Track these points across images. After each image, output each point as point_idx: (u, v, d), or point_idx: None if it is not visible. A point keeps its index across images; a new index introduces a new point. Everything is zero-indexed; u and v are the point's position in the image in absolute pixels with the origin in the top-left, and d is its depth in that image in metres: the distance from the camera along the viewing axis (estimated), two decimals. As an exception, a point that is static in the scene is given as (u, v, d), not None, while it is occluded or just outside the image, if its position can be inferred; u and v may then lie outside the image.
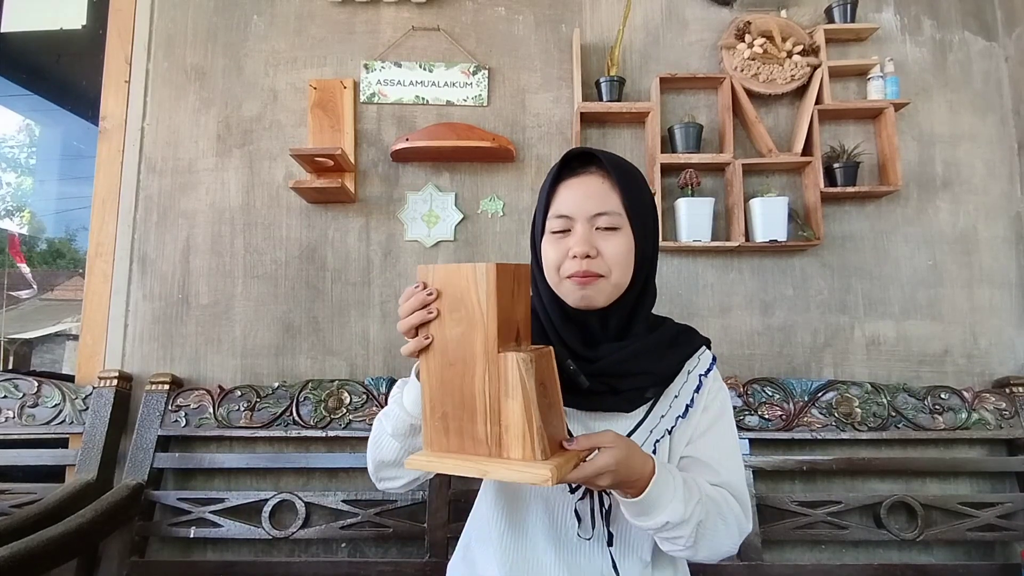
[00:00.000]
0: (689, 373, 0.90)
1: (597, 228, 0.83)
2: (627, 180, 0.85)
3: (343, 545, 1.63)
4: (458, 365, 0.69)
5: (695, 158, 1.76)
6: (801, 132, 1.77)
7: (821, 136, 1.77)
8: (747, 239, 1.73)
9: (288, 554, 1.62)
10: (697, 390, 0.89)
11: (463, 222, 1.82)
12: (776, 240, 1.71)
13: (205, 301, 1.80)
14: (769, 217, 1.72)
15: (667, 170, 1.77)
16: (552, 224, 0.86)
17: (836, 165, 1.76)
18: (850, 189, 1.74)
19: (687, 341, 0.91)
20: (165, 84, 1.90)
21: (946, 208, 1.82)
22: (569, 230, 0.84)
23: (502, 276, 0.67)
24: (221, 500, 1.60)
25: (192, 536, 1.56)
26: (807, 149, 1.77)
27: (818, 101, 1.78)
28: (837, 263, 1.79)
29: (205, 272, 1.81)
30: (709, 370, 0.91)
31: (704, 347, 0.93)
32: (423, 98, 1.87)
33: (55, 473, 1.72)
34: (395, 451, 0.85)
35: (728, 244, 1.72)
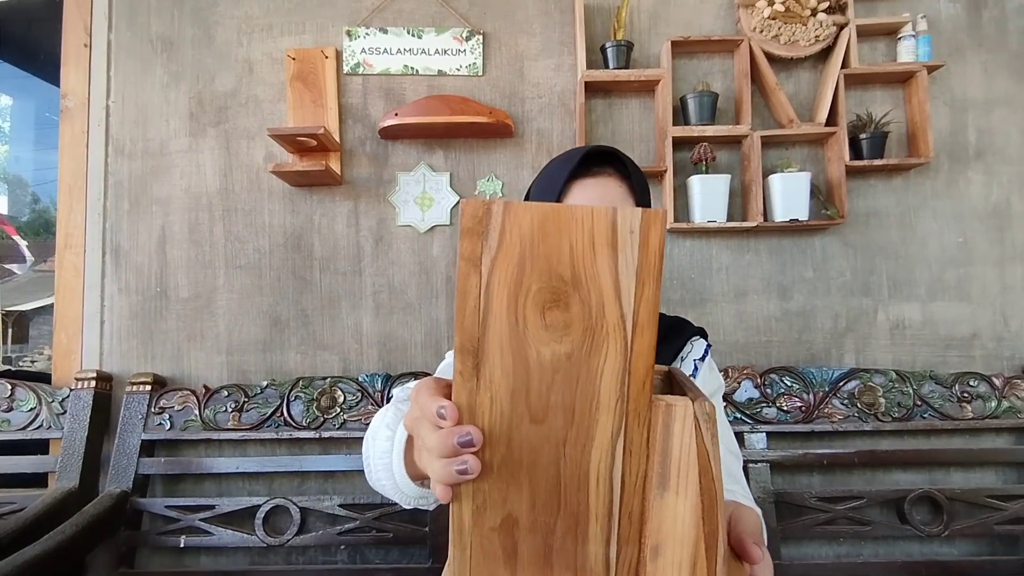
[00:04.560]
0: (683, 360, 0.87)
1: None
2: (642, 186, 0.83)
3: (342, 549, 1.57)
4: (553, 421, 0.36)
5: (710, 130, 1.61)
6: (825, 99, 1.62)
7: (847, 103, 1.63)
8: (765, 219, 1.61)
9: (285, 561, 1.55)
10: (693, 375, 0.86)
11: (459, 205, 1.68)
12: (797, 219, 1.58)
13: (185, 294, 1.68)
14: (790, 194, 1.59)
15: (679, 144, 1.64)
16: None
17: (862, 136, 1.62)
18: (877, 162, 1.61)
19: (678, 333, 0.89)
20: (129, 57, 1.73)
21: (978, 180, 1.69)
22: None
23: (661, 231, 0.34)
24: (211, 507, 1.51)
25: (183, 546, 1.48)
26: (831, 118, 1.63)
27: (844, 64, 1.62)
28: (860, 242, 1.67)
29: (184, 263, 1.69)
30: (704, 356, 0.88)
31: (697, 335, 0.90)
32: (412, 68, 1.71)
33: (38, 475, 1.63)
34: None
35: (745, 224, 1.60)
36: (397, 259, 1.68)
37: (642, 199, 0.82)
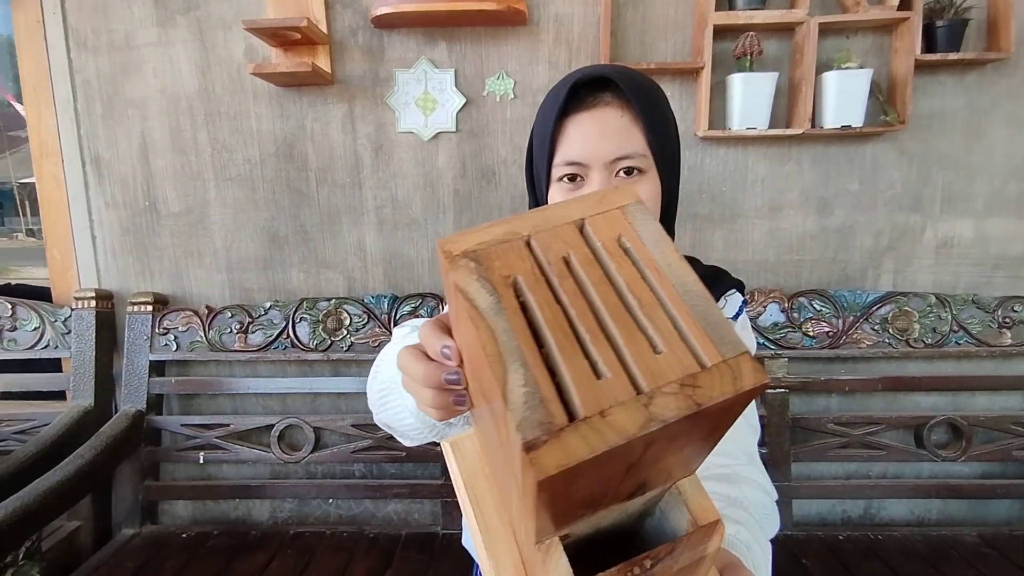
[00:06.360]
0: None
1: (617, 174, 0.68)
2: (650, 110, 0.68)
3: (357, 467, 1.60)
4: (499, 472, 0.37)
5: (758, 17, 1.37)
6: (901, -25, 1.35)
7: (926, -20, 1.36)
8: (813, 124, 1.42)
9: (305, 472, 1.59)
10: None
11: (466, 107, 1.50)
12: (850, 127, 1.39)
13: (176, 208, 1.58)
14: (845, 96, 1.38)
15: (720, 33, 1.40)
16: (560, 171, 0.69)
17: (939, 23, 1.37)
18: (952, 56, 1.37)
19: (715, 285, 0.80)
20: (75, -75, 1.47)
21: (1066, 76, 1.46)
22: (582, 177, 0.69)
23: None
24: (226, 425, 1.53)
25: (202, 462, 1.52)
26: (905, 0, 1.37)
27: (930, -71, 1.34)
28: (919, 150, 1.49)
29: (170, 174, 1.56)
30: (738, 314, 0.80)
31: (734, 289, 0.81)
32: (408, -63, 1.44)
33: (55, 391, 1.65)
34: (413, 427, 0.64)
35: (789, 132, 1.42)
36: (399, 170, 1.54)
37: (651, 121, 0.67)
